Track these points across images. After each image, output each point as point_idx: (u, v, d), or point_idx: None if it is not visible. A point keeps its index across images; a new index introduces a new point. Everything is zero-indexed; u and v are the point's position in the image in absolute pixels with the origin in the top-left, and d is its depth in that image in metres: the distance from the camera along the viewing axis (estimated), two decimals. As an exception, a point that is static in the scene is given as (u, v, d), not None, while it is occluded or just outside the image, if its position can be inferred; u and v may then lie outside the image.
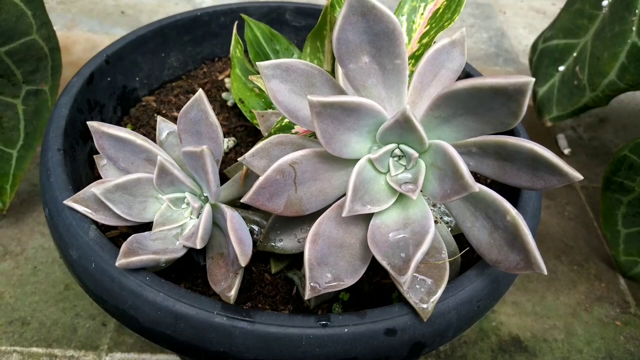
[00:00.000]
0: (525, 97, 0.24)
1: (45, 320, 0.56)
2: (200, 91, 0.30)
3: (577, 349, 0.59)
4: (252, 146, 0.48)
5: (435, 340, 0.30)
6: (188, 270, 0.36)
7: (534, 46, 0.77)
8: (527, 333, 0.60)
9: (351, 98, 0.27)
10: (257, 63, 0.30)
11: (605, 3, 0.64)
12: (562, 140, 0.84)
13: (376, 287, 0.37)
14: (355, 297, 0.36)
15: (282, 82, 0.30)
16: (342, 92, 0.31)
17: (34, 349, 0.54)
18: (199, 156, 0.28)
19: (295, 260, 0.38)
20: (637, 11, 0.58)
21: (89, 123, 0.32)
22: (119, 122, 0.46)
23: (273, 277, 0.37)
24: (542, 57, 0.75)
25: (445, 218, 0.40)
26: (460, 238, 0.38)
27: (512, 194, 0.38)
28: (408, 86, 0.34)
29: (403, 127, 0.28)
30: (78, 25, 0.95)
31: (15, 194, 0.64)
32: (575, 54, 0.69)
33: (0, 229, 0.63)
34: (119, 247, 0.30)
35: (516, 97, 0.25)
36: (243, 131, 0.49)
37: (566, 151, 0.82)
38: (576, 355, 0.58)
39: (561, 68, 0.71)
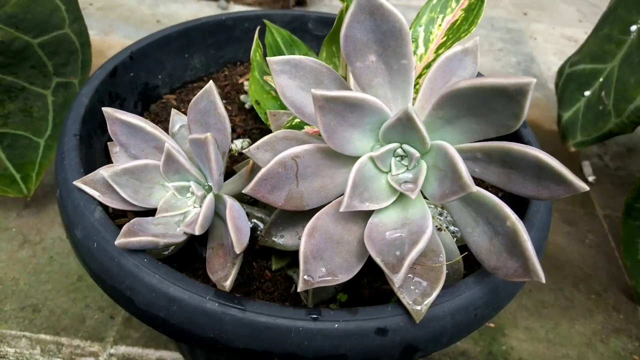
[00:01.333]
0: (526, 98, 0.24)
1: (55, 309, 0.57)
2: (210, 82, 0.31)
3: (590, 380, 0.56)
4: (266, 148, 0.49)
5: (429, 345, 0.30)
6: (191, 261, 0.37)
7: (561, 70, 0.77)
8: (538, 360, 0.58)
9: (354, 94, 0.27)
10: (267, 58, 0.30)
11: (634, 28, 0.64)
12: (587, 168, 0.82)
13: (377, 292, 0.37)
14: (355, 301, 0.36)
15: (290, 78, 0.31)
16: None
17: (42, 336, 0.55)
18: (203, 143, 0.29)
19: (297, 258, 0.38)
20: (665, 36, 0.57)
21: (103, 109, 0.33)
22: (139, 117, 0.48)
23: (273, 274, 0.37)
24: (568, 82, 0.74)
25: (452, 228, 0.39)
26: (465, 249, 0.37)
27: (521, 207, 0.37)
28: (418, 91, 0.34)
29: (405, 126, 0.28)
30: (115, 31, 0.99)
31: (39, 185, 0.66)
32: (601, 79, 0.68)
33: (22, 218, 0.65)
34: (118, 229, 0.31)
35: (517, 98, 0.24)
36: (258, 133, 0.49)
37: (590, 178, 0.80)
38: (588, 387, 0.56)
39: (587, 93, 0.70)
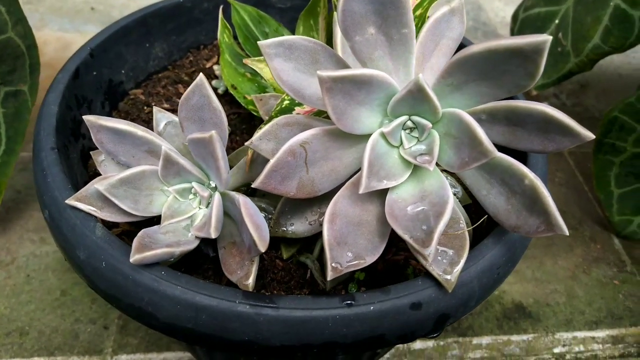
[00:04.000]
0: (543, 56, 0.24)
1: (44, 329, 0.54)
2: (201, 75, 0.29)
3: (579, 310, 0.60)
4: (246, 133, 0.47)
5: (459, 311, 0.30)
6: (197, 262, 0.36)
7: (515, 16, 0.77)
8: (530, 299, 0.61)
9: (362, 71, 0.26)
10: (258, 42, 0.29)
11: (584, -33, 0.65)
12: (546, 109, 0.84)
13: (389, 264, 0.37)
14: (370, 276, 0.36)
15: (285, 60, 0.29)
16: (347, 67, 0.30)
17: (36, 359, 0.52)
18: (207, 142, 0.27)
19: (306, 243, 0.37)
20: (618, -27, 0.59)
21: (85, 117, 0.30)
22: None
23: (285, 263, 0.36)
24: (523, 27, 0.75)
25: (452, 190, 0.39)
26: (468, 208, 0.37)
27: (519, 161, 0.38)
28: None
29: (416, 98, 0.27)
30: (48, 24, 0.92)
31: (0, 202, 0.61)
32: (557, 21, 0.69)
33: (-13, 239, 0.61)
34: (125, 244, 0.29)
35: (533, 57, 0.24)
36: (236, 118, 0.47)
37: (551, 119, 0.83)
38: (579, 317, 0.59)
39: (543, 36, 0.71)
